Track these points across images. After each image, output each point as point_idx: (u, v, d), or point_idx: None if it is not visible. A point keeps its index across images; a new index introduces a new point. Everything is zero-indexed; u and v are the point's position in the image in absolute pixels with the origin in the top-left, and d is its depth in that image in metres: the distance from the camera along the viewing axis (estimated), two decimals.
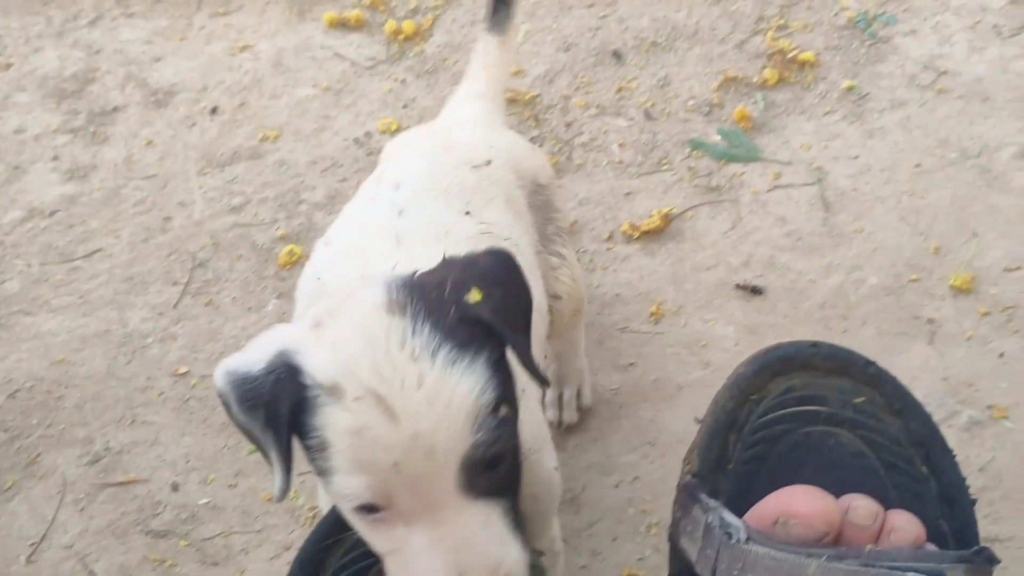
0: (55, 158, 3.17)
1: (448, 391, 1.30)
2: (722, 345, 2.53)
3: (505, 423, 1.34)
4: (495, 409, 1.32)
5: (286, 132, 3.15)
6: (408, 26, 3.34)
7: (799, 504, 1.22)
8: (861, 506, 1.23)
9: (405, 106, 3.16)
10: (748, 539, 1.21)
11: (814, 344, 1.35)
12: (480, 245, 1.88)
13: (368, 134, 3.09)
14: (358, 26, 3.40)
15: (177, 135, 3.19)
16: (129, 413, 2.60)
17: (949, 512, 1.30)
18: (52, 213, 3.04)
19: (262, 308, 2.75)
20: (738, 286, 2.63)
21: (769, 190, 2.83)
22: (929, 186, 2.78)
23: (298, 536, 2.34)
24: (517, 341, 1.37)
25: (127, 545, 2.38)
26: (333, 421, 1.31)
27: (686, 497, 1.35)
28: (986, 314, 2.51)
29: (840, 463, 1.31)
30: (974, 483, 2.21)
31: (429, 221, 1.86)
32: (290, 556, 2.26)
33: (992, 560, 1.21)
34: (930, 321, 2.52)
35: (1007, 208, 2.71)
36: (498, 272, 1.40)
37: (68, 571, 2.36)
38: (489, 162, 2.00)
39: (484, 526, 1.35)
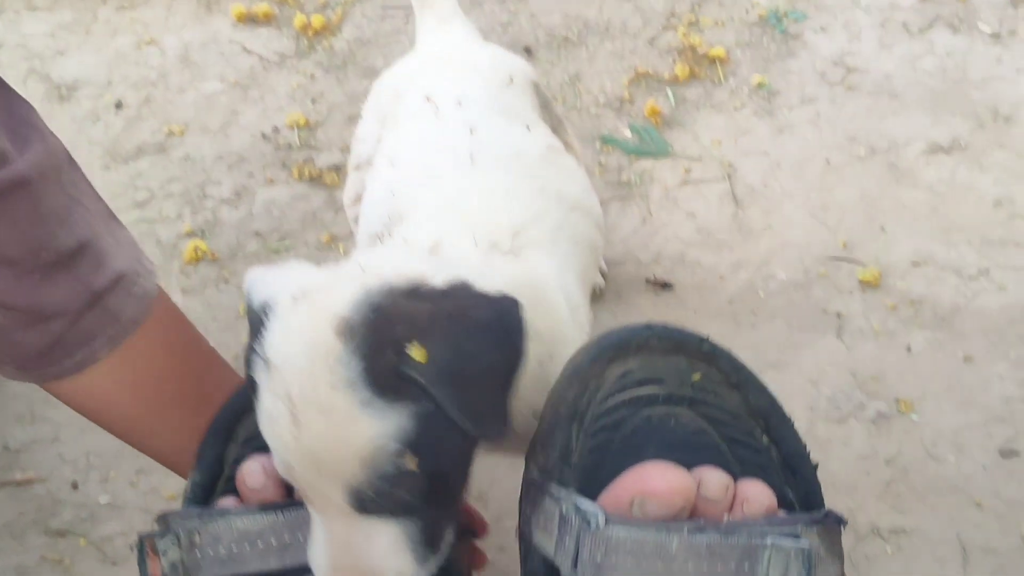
0: None
1: (347, 429, 1.27)
2: None
3: (404, 474, 1.29)
4: (398, 457, 1.28)
5: (192, 127, 3.10)
6: (317, 20, 3.30)
7: (654, 481, 1.19)
8: (713, 479, 1.21)
9: (314, 101, 3.12)
10: (607, 522, 1.19)
11: (648, 326, 1.33)
12: (548, 164, 1.89)
13: (276, 129, 3.05)
14: (266, 20, 3.35)
15: (81, 130, 3.13)
16: (28, 411, 2.54)
17: (793, 479, 1.30)
18: None
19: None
20: (648, 281, 2.62)
21: (679, 186, 2.82)
22: (838, 182, 2.79)
23: None
24: (464, 406, 1.30)
25: (24, 545, 2.33)
26: (262, 390, 1.32)
27: (535, 492, 1.33)
28: (894, 308, 2.52)
29: (683, 443, 1.29)
30: (880, 475, 2.23)
31: (499, 140, 1.84)
32: None
33: (840, 521, 1.21)
34: (838, 315, 2.52)
35: (914, 204, 2.72)
36: (476, 332, 1.32)
37: None
38: (512, 79, 2.00)
39: (368, 539, 1.33)
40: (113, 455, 2.44)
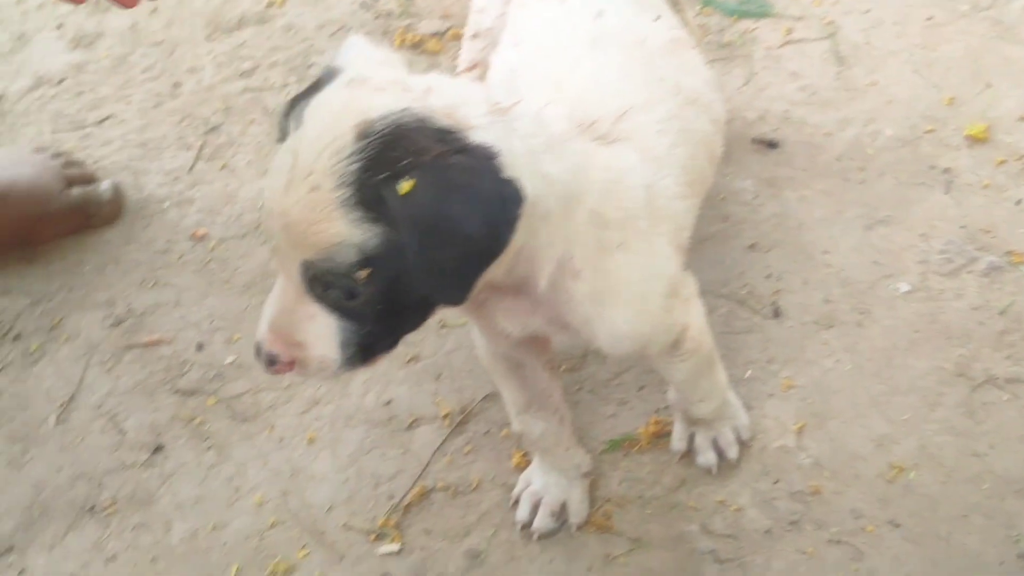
0: (59, 27, 3.15)
1: (320, 213, 1.38)
2: (740, 198, 2.54)
3: (352, 282, 1.42)
4: (352, 265, 1.40)
5: None
6: None
7: None
8: None
9: None
10: None
11: None
12: (670, 55, 1.92)
13: None
14: None
15: (182, 2, 3.16)
16: (150, 276, 2.60)
17: None
18: (60, 81, 3.03)
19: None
20: (754, 140, 2.63)
21: (781, 45, 2.82)
22: (941, 39, 2.78)
23: (325, 391, 2.36)
24: (424, 258, 1.39)
25: (156, 404, 2.40)
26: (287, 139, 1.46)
27: None
28: (1002, 162, 2.52)
29: None
30: (994, 326, 2.25)
31: (625, 26, 1.87)
32: (319, 411, 2.31)
33: None
34: (946, 171, 2.53)
35: (1019, 59, 2.71)
36: (468, 198, 1.39)
37: (98, 430, 2.38)
38: None
39: (309, 318, 1.48)
40: (235, 317, 2.51)
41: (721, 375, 2.08)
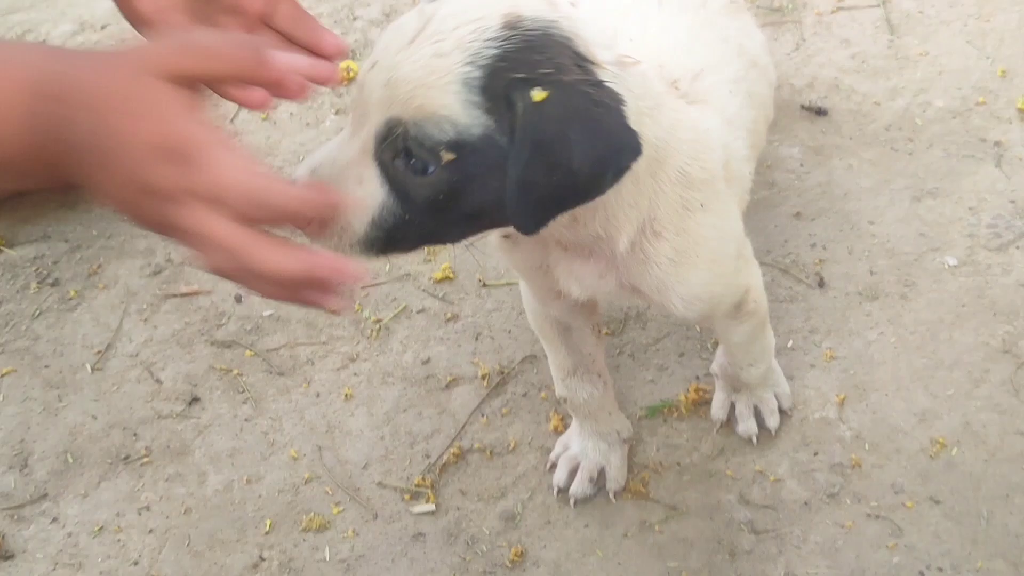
0: None
1: (435, 81, 1.32)
2: (786, 166, 2.51)
3: (430, 157, 1.34)
4: (440, 141, 1.33)
5: None
6: None
7: None
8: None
9: None
10: None
11: None
12: (731, 17, 1.91)
13: None
14: None
15: None
16: None
17: None
18: (104, 27, 3.01)
19: (320, 124, 2.73)
20: (803, 107, 2.60)
21: (833, 12, 2.79)
22: (995, 9, 2.74)
23: (363, 348, 2.35)
24: (523, 171, 1.33)
25: (192, 354, 2.40)
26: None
27: None
28: None
29: None
30: None
31: None
32: (356, 367, 2.30)
33: None
34: (997, 144, 2.49)
35: None
36: (590, 135, 1.34)
37: (134, 378, 2.37)
38: None
39: (358, 179, 1.38)
40: None
41: (771, 339, 2.06)
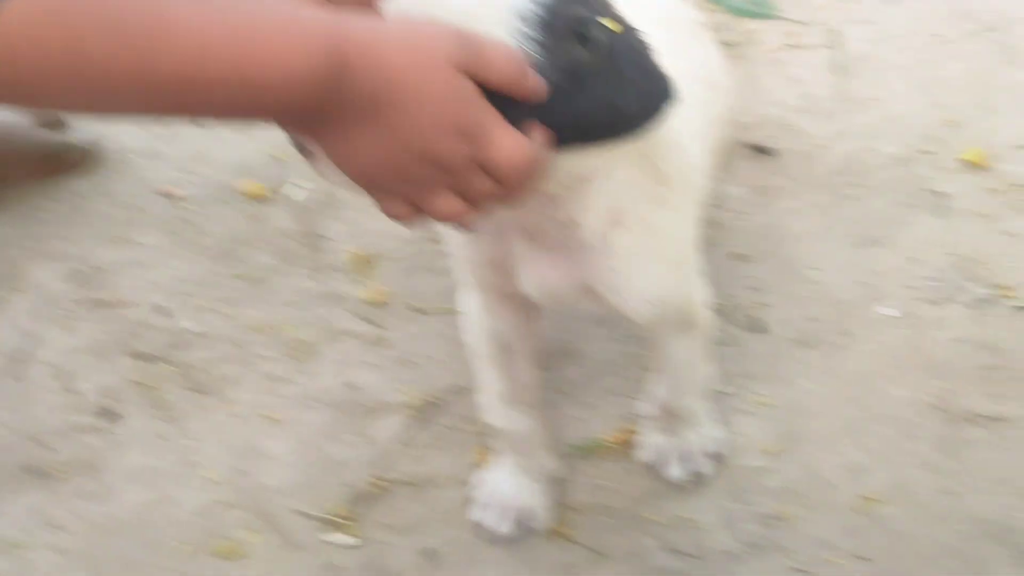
0: None
1: (476, 20, 1.21)
2: (730, 204, 2.48)
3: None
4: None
5: None
6: None
7: None
8: None
9: None
10: None
11: None
12: (694, 36, 1.88)
13: None
14: None
15: None
16: (117, 232, 2.53)
17: None
18: None
19: (251, 132, 2.66)
20: (749, 146, 2.58)
21: (784, 49, 2.77)
22: (946, 57, 2.73)
23: (289, 368, 2.30)
24: (579, 103, 1.26)
25: (112, 366, 2.33)
26: None
27: None
28: (996, 191, 2.48)
29: None
30: (978, 361, 2.20)
31: (652, 2, 1.81)
32: (281, 389, 2.25)
33: None
34: (941, 195, 2.48)
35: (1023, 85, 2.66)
36: (647, 78, 1.30)
37: (50, 388, 2.30)
38: None
39: None
40: (199, 282, 2.43)
41: (712, 370, 2.03)
